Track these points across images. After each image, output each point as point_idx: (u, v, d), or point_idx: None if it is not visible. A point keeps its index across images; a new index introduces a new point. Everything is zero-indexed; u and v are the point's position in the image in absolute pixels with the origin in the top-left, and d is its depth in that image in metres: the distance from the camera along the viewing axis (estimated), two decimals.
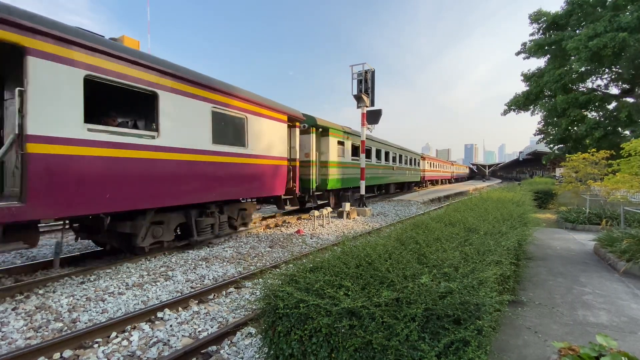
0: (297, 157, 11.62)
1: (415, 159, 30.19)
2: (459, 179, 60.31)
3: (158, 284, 5.63)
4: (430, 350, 1.72)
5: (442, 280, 2.21)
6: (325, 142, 13.88)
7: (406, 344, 1.81)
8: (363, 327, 1.93)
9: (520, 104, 23.98)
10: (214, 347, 3.67)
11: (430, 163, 37.76)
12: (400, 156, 25.23)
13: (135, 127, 7.65)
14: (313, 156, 13.05)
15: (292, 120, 11.13)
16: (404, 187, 28.30)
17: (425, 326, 1.92)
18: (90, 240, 7.49)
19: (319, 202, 14.20)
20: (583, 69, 19.21)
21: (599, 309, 4.09)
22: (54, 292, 5.16)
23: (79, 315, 4.42)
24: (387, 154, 22.00)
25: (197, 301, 4.95)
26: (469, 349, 1.72)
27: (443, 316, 1.93)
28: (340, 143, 15.14)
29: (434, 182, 40.84)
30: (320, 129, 13.73)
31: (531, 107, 24.29)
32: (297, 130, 11.69)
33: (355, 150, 16.99)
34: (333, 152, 14.19)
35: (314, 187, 13.01)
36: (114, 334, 3.95)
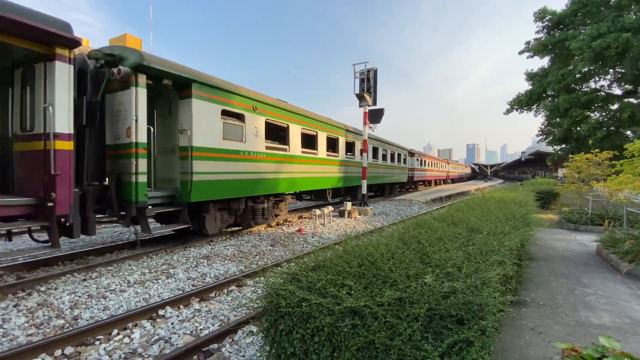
0: (56, 130, 5.17)
1: (400, 155, 24.30)
2: (456, 180, 54.81)
3: (159, 281, 5.64)
4: (433, 351, 1.71)
5: (446, 280, 2.20)
6: (187, 109, 7.18)
7: (409, 343, 1.80)
8: (365, 327, 1.92)
9: (523, 103, 23.92)
10: (216, 345, 3.67)
11: (422, 161, 31.82)
12: (376, 150, 19.24)
13: None
14: (138, 135, 6.38)
15: (16, 36, 4.84)
16: (385, 190, 22.43)
17: (428, 326, 1.91)
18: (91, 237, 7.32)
19: (162, 231, 7.27)
20: (586, 69, 19.13)
21: (601, 310, 4.07)
22: (55, 289, 5.17)
23: (80, 312, 4.43)
24: (350, 145, 16.00)
25: (198, 299, 4.95)
26: (472, 349, 1.71)
27: (446, 316, 1.92)
28: (233, 115, 8.40)
29: (426, 183, 35.29)
30: (168, 82, 6.93)
31: (534, 106, 24.23)
32: (59, 67, 5.18)
33: (280, 135, 11.43)
34: (210, 130, 7.59)
35: (142, 198, 6.43)
36: (115, 331, 3.96)
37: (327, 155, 13.33)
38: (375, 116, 15.24)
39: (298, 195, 13.98)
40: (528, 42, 23.63)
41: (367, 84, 14.49)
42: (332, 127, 13.77)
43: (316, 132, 12.44)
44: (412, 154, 28.21)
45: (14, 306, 4.53)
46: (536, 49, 22.46)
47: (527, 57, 23.53)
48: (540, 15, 22.46)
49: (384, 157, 20.68)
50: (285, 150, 10.59)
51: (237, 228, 9.50)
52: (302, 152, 11.47)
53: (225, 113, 8.12)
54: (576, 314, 3.94)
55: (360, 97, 14.46)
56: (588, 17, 19.73)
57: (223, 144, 7.99)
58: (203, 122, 7.43)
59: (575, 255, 6.77)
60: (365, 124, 14.70)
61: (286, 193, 11.21)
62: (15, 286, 5.08)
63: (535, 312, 3.96)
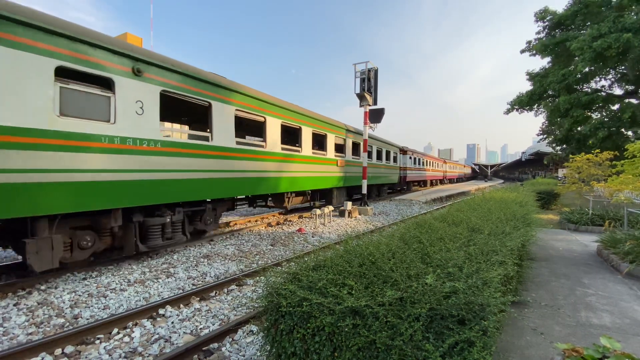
0: None
1: (390, 153, 21.75)
2: (455, 180, 52.88)
3: (160, 280, 5.64)
4: (434, 351, 1.70)
5: (447, 280, 2.20)
6: None
7: (410, 343, 1.80)
8: (366, 327, 1.92)
9: (523, 103, 23.91)
10: (216, 345, 3.67)
11: (415, 159, 28.71)
12: (357, 145, 16.29)
13: None
14: None
15: None
16: (371, 192, 19.38)
17: (429, 326, 1.91)
18: None
19: None
20: (587, 69, 19.11)
21: (602, 311, 4.07)
22: (55, 288, 5.17)
23: (80, 311, 4.43)
24: (321, 139, 13.16)
25: (198, 298, 4.95)
26: (474, 349, 1.71)
27: (447, 316, 1.92)
28: (89, 79, 5.47)
29: (421, 184, 32.93)
30: None
31: (534, 106, 24.21)
32: None
33: (198, 117, 9.65)
34: (21, 100, 4.59)
35: None
36: (115, 330, 3.96)
37: (283, 149, 10.28)
38: (375, 116, 15.22)
39: (250, 201, 11.18)
40: (529, 42, 23.64)
41: (368, 84, 14.47)
42: (291, 113, 10.59)
43: (264, 118, 9.35)
44: (404, 151, 25.51)
45: (14, 305, 4.54)
46: (537, 48, 22.45)
47: (530, 55, 23.51)
48: (541, 15, 22.47)
49: (369, 155, 17.83)
50: (206, 139, 7.50)
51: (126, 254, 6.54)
52: (239, 143, 8.43)
53: (65, 73, 5.10)
54: (577, 315, 3.94)
55: (361, 97, 14.44)
56: (589, 18, 19.71)
57: (59, 124, 4.94)
58: (2, 85, 4.42)
59: (576, 255, 6.76)
60: (365, 123, 14.69)
61: (212, 200, 8.09)
62: (16, 285, 5.08)
63: (536, 312, 3.96)
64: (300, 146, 11.33)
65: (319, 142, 13.22)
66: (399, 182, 24.42)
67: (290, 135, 11.37)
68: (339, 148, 14.69)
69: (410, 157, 26.91)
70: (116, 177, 5.66)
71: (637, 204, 8.86)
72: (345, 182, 14.88)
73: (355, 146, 16.27)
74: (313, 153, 12.18)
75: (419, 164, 30.34)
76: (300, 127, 11.27)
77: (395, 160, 23.15)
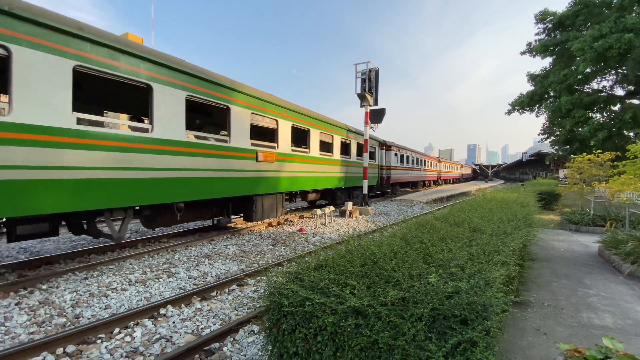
0: None
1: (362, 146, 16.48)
2: (451, 182, 49.44)
3: (161, 280, 5.64)
4: (437, 351, 1.70)
5: (449, 280, 2.20)
6: None
7: (413, 343, 1.80)
8: (369, 326, 1.92)
9: (524, 104, 23.86)
10: (217, 344, 3.67)
11: (403, 156, 24.49)
12: (305, 133, 11.86)
13: None
14: None
15: None
16: (335, 198, 15.01)
17: (432, 326, 1.90)
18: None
19: None
20: (588, 70, 19.08)
21: (603, 312, 4.06)
22: (57, 287, 5.18)
23: (82, 310, 4.44)
24: (220, 115, 9.11)
25: (199, 298, 4.95)
26: (476, 349, 1.71)
27: (450, 316, 1.92)
28: None
29: (411, 185, 29.29)
30: None
31: (535, 107, 24.17)
32: None
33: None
34: None
35: None
36: (117, 329, 3.96)
37: (128, 132, 5.98)
38: (376, 116, 15.22)
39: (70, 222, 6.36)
40: (529, 44, 23.60)
41: (369, 84, 14.47)
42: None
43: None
44: (387, 146, 21.30)
45: (16, 304, 4.54)
46: (538, 49, 22.41)
47: (530, 56, 23.48)
48: (542, 17, 22.42)
49: (328, 148, 13.40)
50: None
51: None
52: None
53: None
54: (579, 315, 3.93)
55: (362, 97, 14.45)
56: (590, 18, 19.68)
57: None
58: None
59: (577, 256, 6.75)
60: (366, 123, 14.69)
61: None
62: (17, 284, 5.09)
63: (538, 312, 3.95)
64: (151, 123, 6.28)
65: (226, 124, 8.21)
66: (379, 183, 20.01)
67: (160, 109, 6.36)
68: (262, 134, 10.35)
69: (396, 154, 22.71)
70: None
71: (639, 204, 8.84)
72: (278, 185, 10.05)
73: (301, 133, 11.81)
74: (196, 138, 7.42)
75: (408, 162, 25.99)
76: (149, 86, 6.20)
77: (372, 156, 18.63)
